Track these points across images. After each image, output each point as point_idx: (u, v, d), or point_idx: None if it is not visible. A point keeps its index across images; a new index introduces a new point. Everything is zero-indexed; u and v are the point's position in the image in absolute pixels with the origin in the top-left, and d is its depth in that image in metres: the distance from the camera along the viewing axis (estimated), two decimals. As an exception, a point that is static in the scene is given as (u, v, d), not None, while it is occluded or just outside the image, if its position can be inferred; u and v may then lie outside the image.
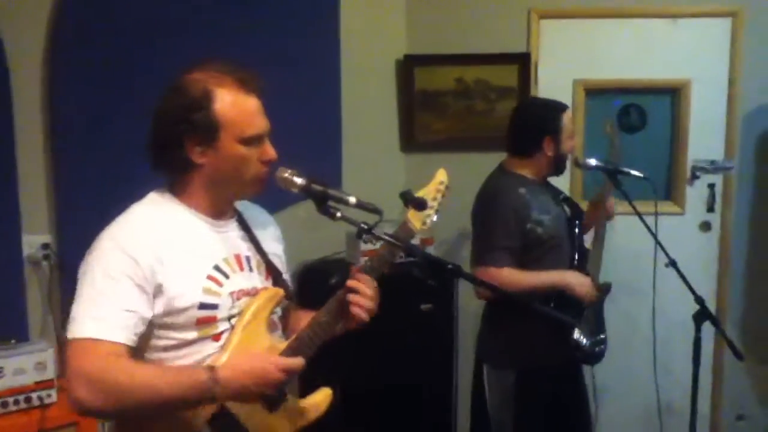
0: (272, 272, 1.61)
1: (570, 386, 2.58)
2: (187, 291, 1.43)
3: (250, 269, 1.56)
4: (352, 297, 1.52)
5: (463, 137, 3.53)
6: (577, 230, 2.60)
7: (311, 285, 2.91)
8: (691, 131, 3.48)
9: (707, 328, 2.41)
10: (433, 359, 3.17)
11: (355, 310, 1.52)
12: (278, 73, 2.91)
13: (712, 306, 3.47)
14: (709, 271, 3.55)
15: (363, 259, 2.26)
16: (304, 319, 1.61)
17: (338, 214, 1.49)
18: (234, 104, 1.46)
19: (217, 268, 1.49)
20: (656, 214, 2.57)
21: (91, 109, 2.48)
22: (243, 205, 1.65)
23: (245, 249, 1.58)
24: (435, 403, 3.22)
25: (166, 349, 1.44)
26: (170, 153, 1.46)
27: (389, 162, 3.59)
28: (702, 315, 2.39)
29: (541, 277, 2.42)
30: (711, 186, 3.48)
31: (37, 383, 2.22)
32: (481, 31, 3.51)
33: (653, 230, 2.50)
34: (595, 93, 3.53)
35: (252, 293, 1.53)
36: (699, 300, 2.36)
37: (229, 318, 1.49)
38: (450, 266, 1.51)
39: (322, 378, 1.62)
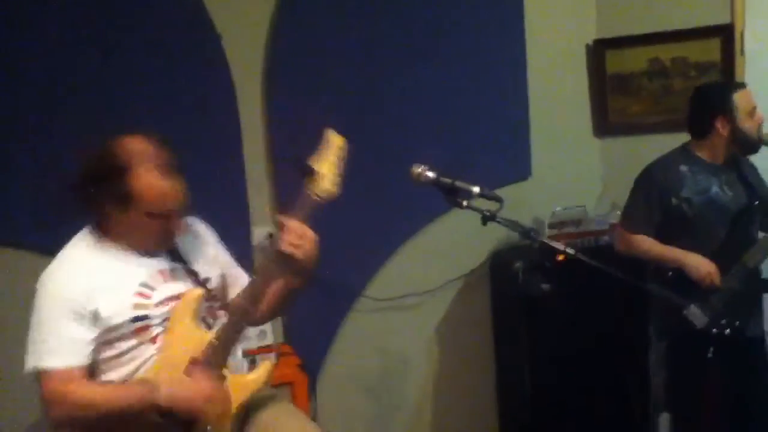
0: (194, 276, 1.84)
1: (730, 357, 2.50)
2: (119, 310, 1.72)
3: (175, 279, 1.82)
4: (285, 237, 1.69)
5: (661, 118, 3.43)
6: (747, 217, 2.54)
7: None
8: None
9: None
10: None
11: (289, 249, 1.69)
12: (462, 67, 3.20)
13: None
14: None
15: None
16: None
17: (464, 203, 1.67)
18: (149, 185, 1.72)
19: (143, 284, 1.76)
20: None
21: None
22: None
23: (170, 264, 1.83)
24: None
25: (114, 357, 1.75)
26: (91, 203, 1.74)
27: (583, 148, 3.62)
28: None
29: (665, 251, 2.53)
30: None
31: (260, 348, 2.71)
32: (676, 5, 3.38)
33: None
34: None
35: (178, 298, 1.79)
36: None
37: (163, 322, 1.77)
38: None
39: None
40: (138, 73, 2.62)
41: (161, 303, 1.78)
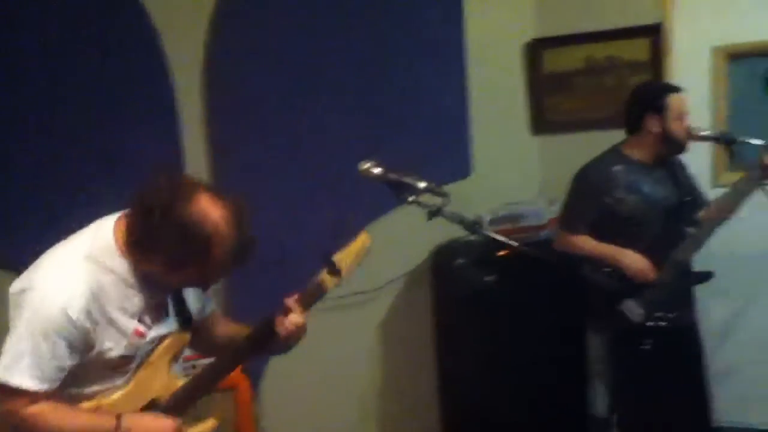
0: (184, 316, 1.76)
1: (666, 347, 2.58)
2: (114, 347, 1.61)
3: (167, 315, 1.73)
4: (287, 318, 1.69)
5: (594, 116, 3.51)
6: (679, 214, 2.66)
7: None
8: None
9: None
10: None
11: (284, 333, 1.69)
12: (403, 65, 3.21)
13: None
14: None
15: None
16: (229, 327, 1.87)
17: (411, 199, 1.66)
18: (224, 259, 1.56)
19: (141, 320, 1.65)
20: None
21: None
22: None
23: (166, 297, 1.72)
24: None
25: (81, 376, 1.63)
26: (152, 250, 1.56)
27: (520, 145, 3.67)
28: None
29: (601, 249, 2.61)
30: None
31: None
32: (610, 5, 3.46)
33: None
34: (742, 59, 3.34)
35: (165, 337, 1.72)
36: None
37: (143, 358, 1.70)
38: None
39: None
40: (74, 66, 2.54)
41: (152, 341, 1.69)
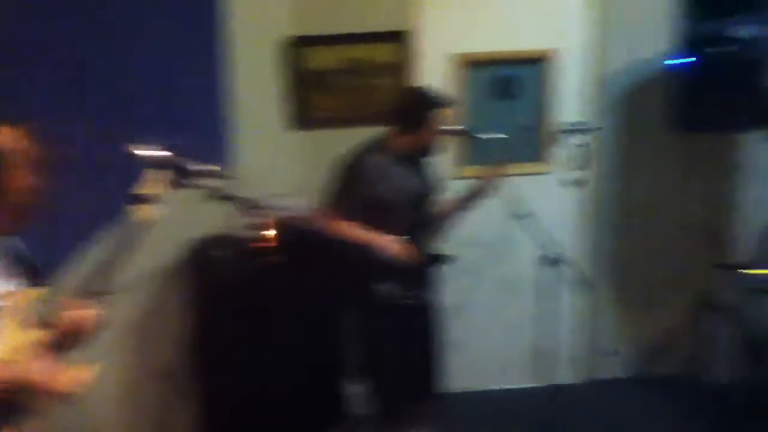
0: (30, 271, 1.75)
1: (413, 323, 2.90)
2: None
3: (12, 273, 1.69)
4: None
5: (351, 114, 3.73)
6: (425, 203, 2.94)
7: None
8: (560, 96, 3.81)
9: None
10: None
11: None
12: (161, 60, 3.12)
13: (582, 255, 3.88)
14: (578, 223, 3.94)
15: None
16: None
17: (186, 182, 1.66)
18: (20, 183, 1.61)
19: None
20: (496, 174, 2.92)
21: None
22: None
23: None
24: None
25: None
26: None
27: (284, 141, 3.76)
28: (556, 260, 2.71)
29: (360, 234, 2.79)
30: (578, 146, 3.79)
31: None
32: (365, 10, 3.70)
33: (523, 188, 2.85)
34: (478, 66, 3.80)
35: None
36: (553, 248, 2.66)
37: None
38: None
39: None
40: None
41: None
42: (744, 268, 3.29)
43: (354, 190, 2.82)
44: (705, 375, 3.85)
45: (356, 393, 3.10)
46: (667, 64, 3.47)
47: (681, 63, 3.37)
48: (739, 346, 3.59)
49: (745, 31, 3.22)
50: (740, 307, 3.53)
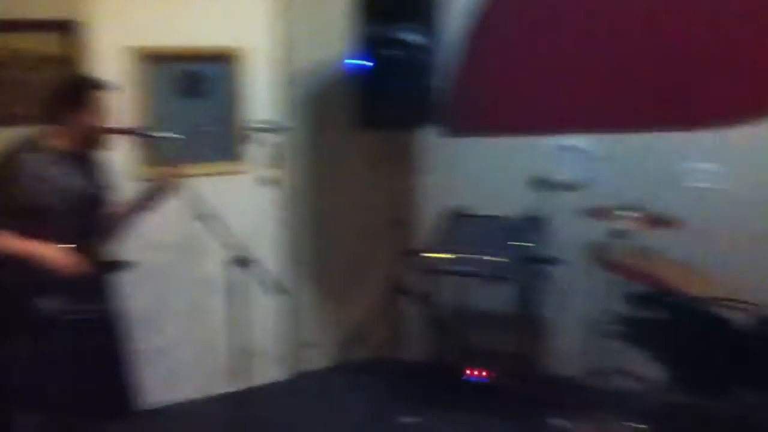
0: None
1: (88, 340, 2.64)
2: None
3: None
4: None
5: (6, 111, 3.32)
6: (95, 206, 2.70)
7: None
8: (250, 95, 3.75)
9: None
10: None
11: None
12: None
13: (279, 251, 3.90)
14: (275, 220, 3.94)
15: None
16: None
17: None
18: None
19: None
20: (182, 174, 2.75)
21: None
22: None
23: None
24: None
25: None
26: None
27: None
28: (244, 260, 2.66)
29: (21, 246, 2.49)
30: (271, 145, 3.80)
31: None
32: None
33: (217, 188, 2.75)
34: (162, 61, 3.58)
35: None
36: (241, 249, 2.59)
37: None
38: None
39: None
40: None
41: None
42: (425, 253, 3.56)
43: (4, 195, 2.49)
44: (403, 353, 4.12)
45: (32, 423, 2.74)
46: (348, 65, 3.61)
47: (360, 64, 3.53)
48: (427, 323, 3.92)
49: (412, 36, 3.47)
50: (425, 288, 3.84)
